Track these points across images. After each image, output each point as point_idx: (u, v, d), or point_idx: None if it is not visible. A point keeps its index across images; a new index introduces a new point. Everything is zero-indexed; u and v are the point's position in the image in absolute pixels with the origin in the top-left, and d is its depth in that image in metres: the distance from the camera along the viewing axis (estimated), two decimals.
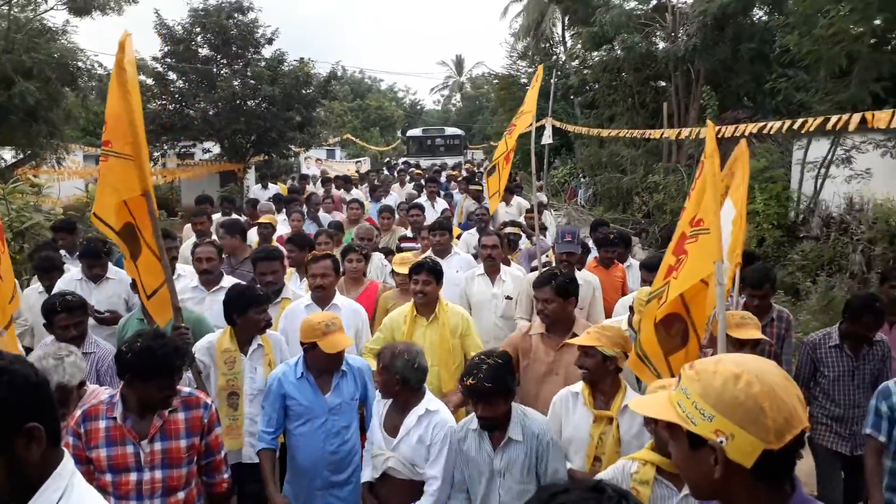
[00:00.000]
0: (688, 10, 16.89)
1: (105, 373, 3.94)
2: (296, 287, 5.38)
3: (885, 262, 9.43)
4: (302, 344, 3.57)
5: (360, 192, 13.22)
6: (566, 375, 3.72)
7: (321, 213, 9.74)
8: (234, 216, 8.44)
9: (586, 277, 5.28)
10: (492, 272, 5.48)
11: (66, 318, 3.85)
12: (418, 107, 70.84)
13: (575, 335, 3.60)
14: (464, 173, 18.43)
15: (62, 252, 5.87)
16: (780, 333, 4.53)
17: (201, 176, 19.59)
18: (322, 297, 4.63)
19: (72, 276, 5.15)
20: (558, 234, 5.87)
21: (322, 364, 3.56)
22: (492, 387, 3.06)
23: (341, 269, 5.26)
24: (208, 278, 4.90)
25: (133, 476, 2.80)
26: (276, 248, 5.37)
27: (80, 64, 14.19)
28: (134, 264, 3.73)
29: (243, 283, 4.59)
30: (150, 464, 2.83)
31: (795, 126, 8.54)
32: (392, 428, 3.37)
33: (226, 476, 3.16)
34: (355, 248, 5.59)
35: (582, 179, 21.75)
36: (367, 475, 3.48)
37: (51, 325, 3.92)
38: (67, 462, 1.51)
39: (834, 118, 7.91)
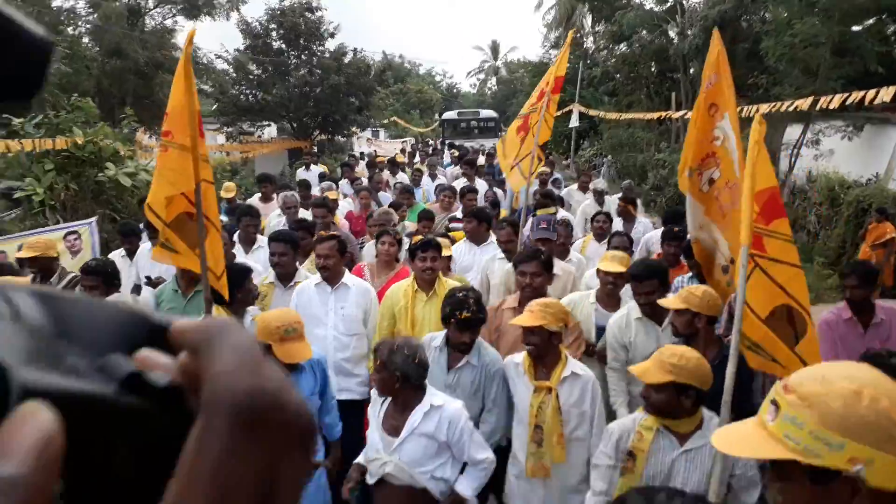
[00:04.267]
0: (698, 9, 19.52)
1: None
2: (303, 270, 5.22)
3: (828, 219, 12.17)
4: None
5: (405, 176, 12.75)
6: None
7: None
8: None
9: (565, 267, 5.06)
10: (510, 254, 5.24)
11: None
12: (455, 90, 72.81)
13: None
14: None
15: None
16: None
17: (275, 152, 22.84)
18: (329, 276, 4.49)
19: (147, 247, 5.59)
20: (534, 221, 5.60)
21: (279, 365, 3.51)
22: (483, 317, 3.48)
23: (375, 253, 5.28)
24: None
25: None
26: (289, 232, 5.21)
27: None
28: (193, 251, 3.76)
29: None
30: None
31: (805, 106, 10.57)
32: (392, 428, 3.06)
33: None
34: (389, 231, 5.36)
35: (605, 159, 24.44)
36: (362, 458, 3.24)
37: None
38: None
39: (839, 96, 9.94)
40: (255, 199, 8.81)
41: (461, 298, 3.47)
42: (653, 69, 21.30)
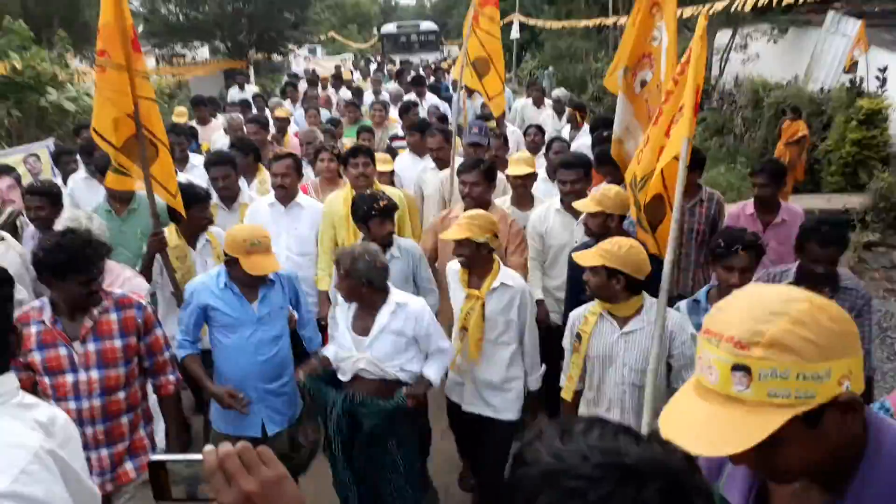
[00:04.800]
0: None
1: None
2: (248, 191, 5.23)
3: (752, 121, 12.90)
4: (225, 254, 3.36)
5: (348, 93, 12.51)
6: None
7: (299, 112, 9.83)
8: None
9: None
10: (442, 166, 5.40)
11: None
12: (393, 2, 70.88)
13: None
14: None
15: None
16: (712, 215, 4.28)
17: (211, 73, 22.25)
18: (284, 195, 4.53)
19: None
20: (468, 125, 5.91)
21: (244, 279, 3.31)
22: (396, 204, 3.86)
23: (315, 170, 5.38)
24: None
25: (69, 377, 2.75)
26: (227, 153, 5.17)
27: None
28: (148, 172, 3.81)
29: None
30: (85, 364, 2.77)
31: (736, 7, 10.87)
32: (362, 329, 3.24)
33: (171, 377, 3.06)
34: (326, 147, 5.32)
35: (546, 71, 24.63)
36: (330, 352, 3.42)
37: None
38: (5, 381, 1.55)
39: None
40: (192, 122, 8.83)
41: (370, 195, 3.76)
42: None
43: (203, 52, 25.02)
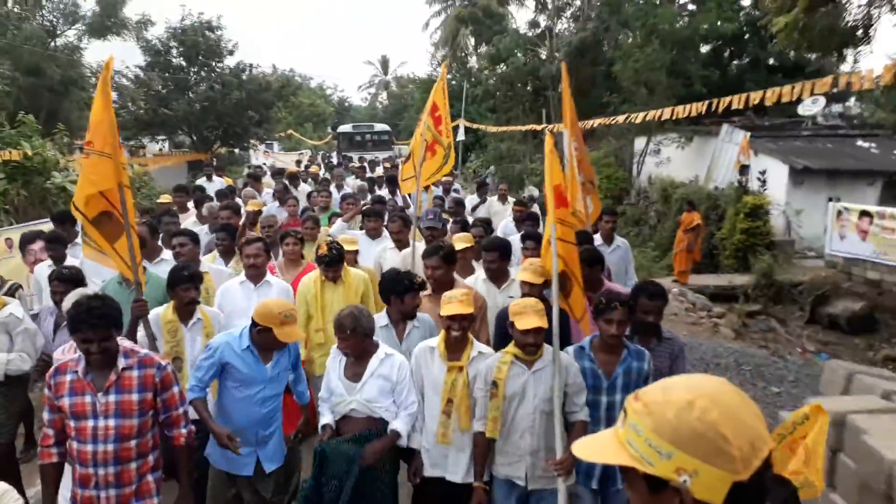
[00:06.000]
0: (564, 34, 22.37)
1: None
2: (221, 266, 5.68)
3: (660, 214, 14.96)
4: (255, 324, 3.65)
5: (306, 187, 12.86)
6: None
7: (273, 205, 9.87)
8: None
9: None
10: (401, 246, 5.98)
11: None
12: (346, 104, 72.98)
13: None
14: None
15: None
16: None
17: (175, 164, 23.65)
18: (255, 274, 4.96)
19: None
20: (424, 213, 6.44)
21: (269, 345, 3.68)
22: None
23: (280, 252, 5.78)
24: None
25: (90, 423, 3.04)
26: (188, 230, 5.65)
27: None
28: (112, 246, 4.24)
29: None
30: (105, 413, 3.05)
31: (639, 120, 12.88)
32: (353, 375, 3.67)
33: (183, 430, 3.33)
34: (291, 233, 5.80)
35: (489, 169, 26.89)
36: (328, 419, 3.71)
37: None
38: None
39: (669, 110, 12.30)
40: None
41: (403, 272, 4.21)
42: (528, 87, 23.99)
43: (164, 144, 26.49)
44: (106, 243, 4.25)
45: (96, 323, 2.96)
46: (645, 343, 3.81)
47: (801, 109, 15.04)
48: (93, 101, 4.25)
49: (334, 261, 4.86)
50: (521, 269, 4.37)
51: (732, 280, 11.70)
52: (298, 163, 25.75)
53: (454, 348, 3.70)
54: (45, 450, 3.12)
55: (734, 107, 8.98)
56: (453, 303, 3.63)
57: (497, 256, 4.89)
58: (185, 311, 4.35)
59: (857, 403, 4.77)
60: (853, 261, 10.93)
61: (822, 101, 14.91)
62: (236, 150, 25.60)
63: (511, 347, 3.51)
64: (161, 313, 4.34)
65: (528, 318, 3.39)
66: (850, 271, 10.99)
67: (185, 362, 4.32)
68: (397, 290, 4.10)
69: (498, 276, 4.90)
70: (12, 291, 5.55)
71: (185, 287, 4.27)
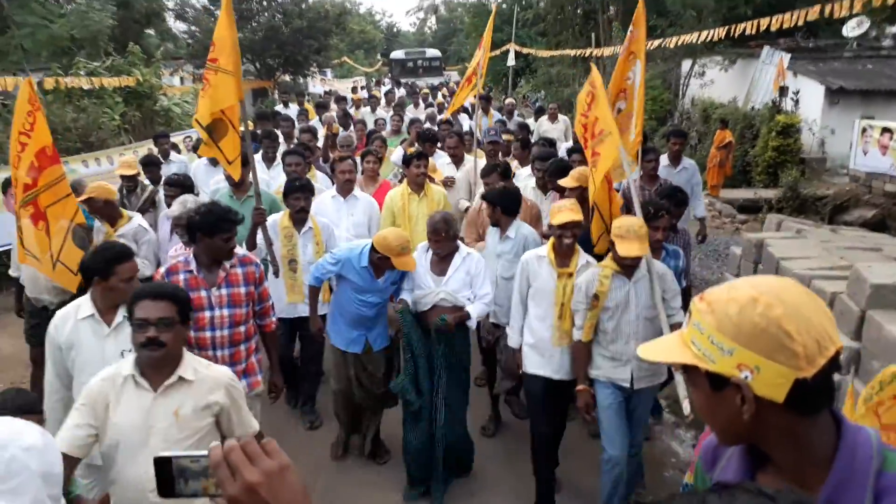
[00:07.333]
0: None
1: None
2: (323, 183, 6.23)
3: (700, 134, 15.81)
4: (374, 249, 4.02)
5: (367, 111, 13.62)
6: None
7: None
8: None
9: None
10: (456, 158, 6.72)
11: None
12: (395, 29, 72.69)
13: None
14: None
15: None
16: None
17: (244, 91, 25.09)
18: (348, 189, 5.34)
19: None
20: (484, 130, 7.18)
21: (380, 265, 4.07)
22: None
23: (360, 169, 6.09)
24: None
25: (207, 314, 3.45)
26: (299, 148, 6.30)
27: None
28: (217, 145, 4.35)
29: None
30: (219, 304, 3.48)
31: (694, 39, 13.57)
32: (440, 271, 4.11)
33: (273, 319, 3.85)
34: (372, 151, 6.27)
35: (539, 94, 27.56)
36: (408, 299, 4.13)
37: None
38: None
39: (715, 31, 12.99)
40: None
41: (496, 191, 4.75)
42: (578, 10, 24.40)
43: None
44: (210, 141, 4.38)
45: (232, 226, 3.49)
46: (665, 237, 4.22)
47: (846, 31, 15.41)
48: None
49: (422, 154, 5.51)
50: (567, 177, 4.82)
51: (761, 193, 12.69)
52: (354, 89, 25.86)
53: (563, 256, 3.91)
54: None
55: (785, 26, 9.51)
56: (564, 211, 3.83)
57: (545, 166, 5.43)
58: (298, 219, 4.79)
59: None
60: (874, 175, 11.76)
61: (867, 22, 15.24)
62: (298, 78, 26.87)
63: (609, 262, 3.71)
64: (278, 220, 4.79)
65: (562, 214, 3.81)
66: (870, 185, 11.85)
67: (299, 264, 4.81)
68: (511, 210, 4.59)
69: (543, 183, 5.56)
70: (152, 196, 6.21)
71: (296, 196, 4.74)
